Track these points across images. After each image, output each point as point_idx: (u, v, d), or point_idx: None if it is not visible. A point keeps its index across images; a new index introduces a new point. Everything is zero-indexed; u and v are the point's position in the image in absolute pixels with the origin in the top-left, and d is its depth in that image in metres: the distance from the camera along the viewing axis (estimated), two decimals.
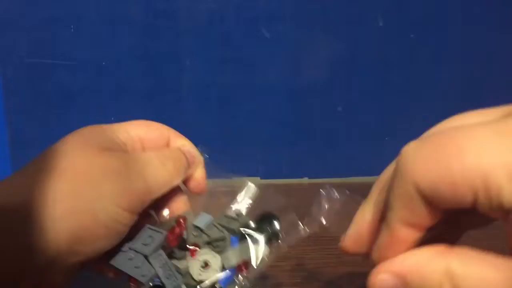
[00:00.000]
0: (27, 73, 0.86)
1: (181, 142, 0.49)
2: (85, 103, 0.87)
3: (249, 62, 0.89)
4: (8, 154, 0.88)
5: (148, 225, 0.44)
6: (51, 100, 0.87)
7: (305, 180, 0.93)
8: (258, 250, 0.45)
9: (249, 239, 0.46)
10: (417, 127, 1.00)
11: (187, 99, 0.89)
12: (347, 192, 0.47)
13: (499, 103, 0.98)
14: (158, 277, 0.40)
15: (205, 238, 0.47)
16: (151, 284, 0.40)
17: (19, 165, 0.91)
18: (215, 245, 0.46)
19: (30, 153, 0.92)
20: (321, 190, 0.47)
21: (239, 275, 0.44)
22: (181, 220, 0.45)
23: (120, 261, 0.41)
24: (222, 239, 0.46)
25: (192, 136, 0.90)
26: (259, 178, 0.92)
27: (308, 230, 0.46)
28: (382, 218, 0.31)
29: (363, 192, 0.93)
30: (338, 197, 0.46)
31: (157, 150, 0.47)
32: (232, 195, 0.87)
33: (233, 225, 0.48)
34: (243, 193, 0.51)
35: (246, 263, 0.44)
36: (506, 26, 0.91)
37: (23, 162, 0.91)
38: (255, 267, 0.44)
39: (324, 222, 0.46)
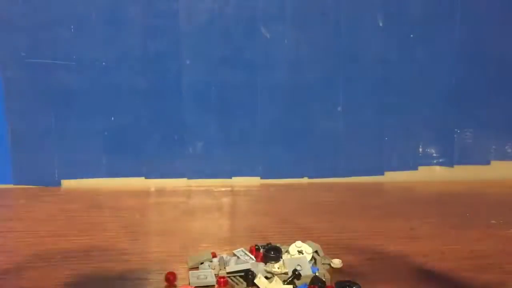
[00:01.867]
0: (27, 73, 0.86)
1: None
2: (86, 103, 0.88)
3: (249, 62, 0.89)
4: (8, 153, 0.88)
5: None
6: (51, 100, 0.87)
7: (305, 180, 0.93)
8: None
9: None
10: (416, 127, 1.01)
11: (187, 99, 0.89)
12: None
13: (497, 102, 0.98)
14: None
15: None
16: None
17: (19, 164, 0.92)
18: None
19: (31, 153, 0.93)
20: None
21: None
22: None
23: None
24: None
25: (192, 136, 0.91)
26: (259, 177, 0.93)
27: None
28: None
29: (361, 191, 0.94)
30: None
31: None
32: (232, 195, 0.87)
33: None
34: None
35: None
36: (504, 27, 0.91)
37: (23, 161, 0.92)
38: None
39: None
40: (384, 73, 0.91)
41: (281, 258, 0.56)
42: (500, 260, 0.60)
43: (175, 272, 0.55)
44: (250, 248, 0.61)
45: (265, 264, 0.56)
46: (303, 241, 0.58)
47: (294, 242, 0.58)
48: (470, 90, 0.92)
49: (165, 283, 0.54)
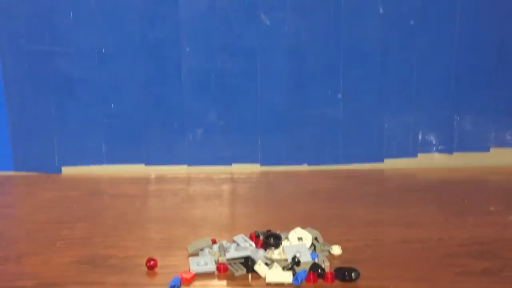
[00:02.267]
0: (26, 60, 0.86)
1: None
2: (85, 90, 0.87)
3: (249, 49, 0.88)
4: (8, 140, 0.88)
5: None
6: (50, 87, 0.87)
7: (305, 167, 0.94)
8: None
9: None
10: (416, 114, 1.01)
11: (187, 86, 0.89)
12: None
13: (497, 89, 0.98)
14: None
15: None
16: None
17: (19, 151, 0.92)
18: None
19: (31, 140, 0.93)
20: None
21: None
22: None
23: None
24: None
25: (192, 123, 0.91)
26: (259, 164, 0.93)
27: None
28: None
29: (361, 178, 0.94)
30: None
31: None
32: (231, 182, 0.87)
33: None
34: None
35: None
36: (505, 13, 0.90)
37: (24, 148, 0.92)
38: None
39: None
40: (384, 60, 0.90)
41: (281, 245, 0.57)
42: (499, 246, 0.60)
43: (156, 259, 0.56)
44: (250, 234, 0.61)
45: (265, 250, 0.56)
46: (303, 228, 0.59)
47: (294, 229, 0.58)
48: (470, 76, 0.92)
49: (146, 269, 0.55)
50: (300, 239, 0.57)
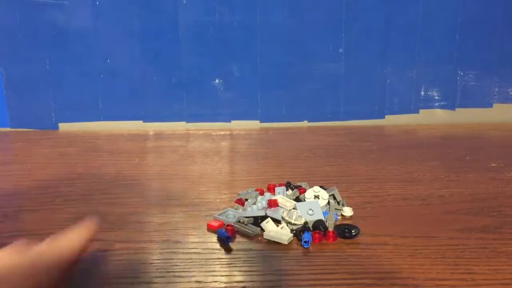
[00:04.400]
0: (19, 13, 0.83)
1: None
2: (80, 44, 0.85)
3: (248, 1, 0.86)
4: (4, 96, 0.87)
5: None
6: (44, 41, 0.85)
7: (305, 123, 0.93)
8: None
9: None
10: (419, 68, 0.99)
11: (184, 40, 0.87)
12: None
13: (501, 44, 0.96)
14: None
15: None
16: None
17: (16, 107, 0.90)
18: None
19: (27, 96, 0.91)
20: None
21: None
22: None
23: None
24: None
25: (190, 79, 0.89)
26: (258, 121, 0.92)
27: None
28: None
29: (362, 135, 0.93)
30: None
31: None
32: (231, 139, 0.86)
33: None
34: None
35: None
36: None
37: (20, 105, 0.91)
38: None
39: None
40: (386, 14, 0.88)
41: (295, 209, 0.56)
42: (499, 203, 0.60)
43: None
44: (268, 186, 0.61)
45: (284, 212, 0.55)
46: (321, 187, 0.58)
47: (312, 187, 0.58)
48: (474, 31, 0.90)
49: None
50: (317, 197, 0.57)
